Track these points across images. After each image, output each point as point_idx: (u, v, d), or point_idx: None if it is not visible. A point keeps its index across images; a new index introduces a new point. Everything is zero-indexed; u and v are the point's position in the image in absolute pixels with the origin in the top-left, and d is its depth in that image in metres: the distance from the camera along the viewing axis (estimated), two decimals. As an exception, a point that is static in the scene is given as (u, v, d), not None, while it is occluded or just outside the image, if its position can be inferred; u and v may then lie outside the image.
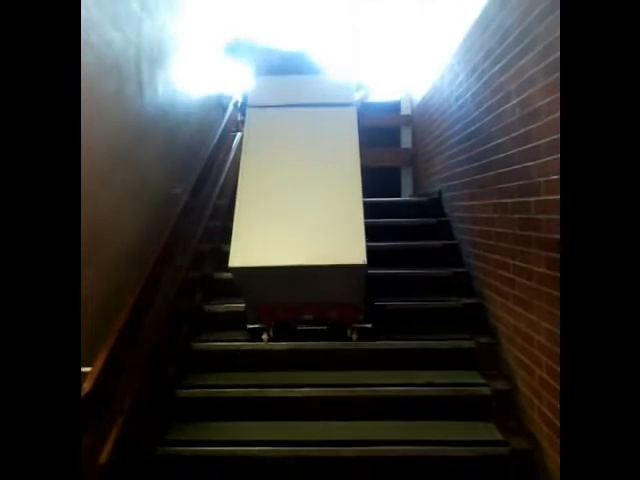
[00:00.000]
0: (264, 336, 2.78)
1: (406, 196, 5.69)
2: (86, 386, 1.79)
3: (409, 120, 5.81)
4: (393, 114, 5.89)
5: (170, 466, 2.31)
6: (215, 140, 3.81)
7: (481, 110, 2.83)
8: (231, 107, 4.30)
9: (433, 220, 3.82)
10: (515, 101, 2.32)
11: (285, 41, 4.47)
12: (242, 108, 3.62)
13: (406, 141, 5.89)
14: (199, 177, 3.34)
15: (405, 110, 5.88)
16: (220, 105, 4.58)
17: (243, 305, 2.82)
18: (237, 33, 3.60)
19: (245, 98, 3.30)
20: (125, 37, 2.60)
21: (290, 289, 2.55)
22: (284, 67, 3.41)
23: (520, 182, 2.30)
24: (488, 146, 2.74)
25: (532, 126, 2.13)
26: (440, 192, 4.10)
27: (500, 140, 2.54)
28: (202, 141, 3.78)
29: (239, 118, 4.13)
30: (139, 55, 2.76)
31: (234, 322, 2.90)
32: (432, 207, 4.06)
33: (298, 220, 2.51)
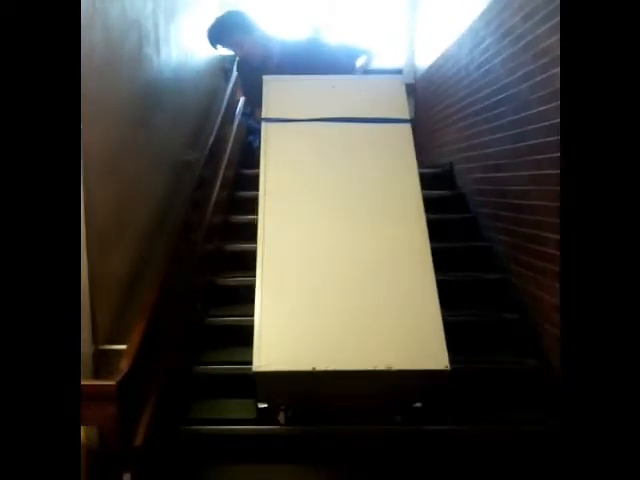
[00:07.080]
0: (280, 417, 2.14)
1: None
2: (124, 366, 1.67)
3: (412, 89, 5.65)
4: (395, 83, 5.71)
5: (197, 444, 2.22)
6: (223, 108, 3.64)
7: (517, 76, 2.71)
8: (235, 71, 4.11)
9: (447, 193, 3.74)
10: (562, 66, 2.20)
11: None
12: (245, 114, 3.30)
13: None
14: (211, 147, 3.19)
15: (408, 79, 5.70)
16: (223, 69, 4.38)
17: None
18: (223, 15, 2.55)
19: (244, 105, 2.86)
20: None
21: (331, 391, 1.87)
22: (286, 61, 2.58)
23: (564, 152, 2.20)
24: (523, 115, 2.63)
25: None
26: (452, 164, 4.00)
27: (541, 108, 2.43)
28: (210, 108, 3.60)
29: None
30: (156, 9, 2.56)
31: (246, 296, 2.79)
32: (443, 179, 3.96)
33: (346, 302, 1.74)
